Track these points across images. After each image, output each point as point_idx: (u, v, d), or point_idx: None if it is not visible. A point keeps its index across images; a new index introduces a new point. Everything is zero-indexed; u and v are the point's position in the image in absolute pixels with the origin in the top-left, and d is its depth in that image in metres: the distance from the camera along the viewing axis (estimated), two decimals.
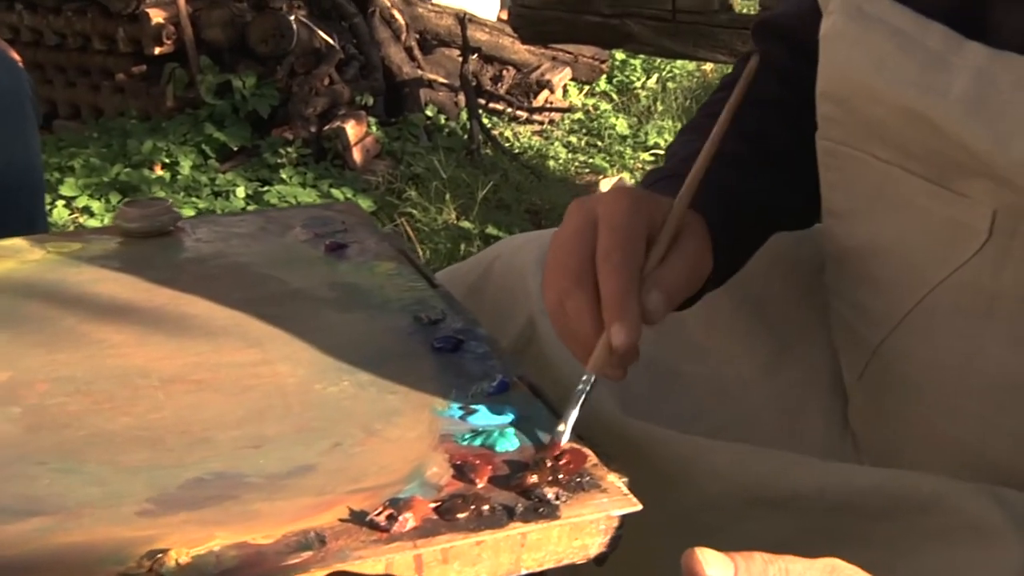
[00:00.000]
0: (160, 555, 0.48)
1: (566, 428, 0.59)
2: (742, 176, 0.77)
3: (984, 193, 0.63)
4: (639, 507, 0.54)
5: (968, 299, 0.66)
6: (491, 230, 3.00)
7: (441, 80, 4.30)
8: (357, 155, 3.63)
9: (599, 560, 0.56)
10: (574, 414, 0.60)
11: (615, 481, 0.55)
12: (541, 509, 0.53)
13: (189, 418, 0.61)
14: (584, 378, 0.61)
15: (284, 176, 3.45)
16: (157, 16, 3.76)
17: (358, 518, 0.51)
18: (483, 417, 0.61)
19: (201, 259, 0.85)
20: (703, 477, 0.69)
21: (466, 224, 3.06)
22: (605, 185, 3.39)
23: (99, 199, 3.15)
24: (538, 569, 0.54)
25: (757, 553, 0.44)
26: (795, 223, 0.83)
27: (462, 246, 2.88)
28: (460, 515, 0.52)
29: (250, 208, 3.22)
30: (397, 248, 0.88)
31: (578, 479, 0.55)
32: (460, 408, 0.62)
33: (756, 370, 0.85)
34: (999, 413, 0.66)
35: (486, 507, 0.52)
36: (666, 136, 4.09)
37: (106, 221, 3.02)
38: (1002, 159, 0.59)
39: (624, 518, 0.54)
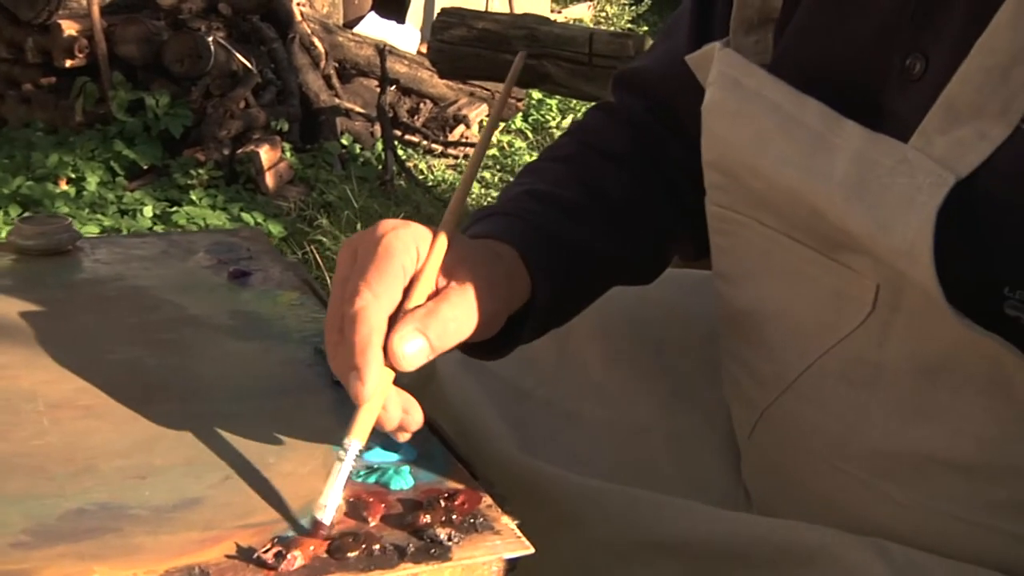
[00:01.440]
0: None
1: (327, 507, 0.53)
2: (572, 222, 0.75)
3: (867, 267, 0.63)
4: (531, 550, 0.54)
5: (853, 369, 0.66)
6: None
7: (358, 109, 4.29)
8: (270, 180, 3.60)
9: None
10: (338, 489, 0.54)
11: (508, 523, 0.55)
12: (433, 550, 0.52)
13: (74, 445, 0.59)
14: (344, 441, 0.55)
15: (194, 197, 3.40)
16: (70, 28, 3.69)
17: (245, 555, 0.50)
18: (379, 454, 0.60)
19: (98, 280, 0.83)
20: (593, 519, 0.69)
21: None
22: None
23: None
24: None
25: None
26: (634, 276, 0.82)
27: None
28: (350, 554, 0.51)
29: (157, 228, 3.16)
30: (302, 278, 0.87)
31: (471, 520, 0.55)
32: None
33: (653, 413, 0.85)
34: (881, 480, 0.66)
35: (377, 546, 0.52)
36: None
37: (4, 234, 2.93)
38: (882, 244, 0.59)
39: (516, 560, 0.54)
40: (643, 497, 0.71)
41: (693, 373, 0.87)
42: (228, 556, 0.50)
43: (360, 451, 0.56)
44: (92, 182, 3.37)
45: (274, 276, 0.86)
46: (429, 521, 0.54)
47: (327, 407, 0.66)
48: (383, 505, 0.55)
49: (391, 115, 4.26)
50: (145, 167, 3.58)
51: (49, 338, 0.72)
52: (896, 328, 0.63)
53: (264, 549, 0.50)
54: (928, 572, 0.62)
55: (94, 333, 0.73)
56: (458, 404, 0.79)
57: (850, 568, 0.62)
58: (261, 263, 0.89)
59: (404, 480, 0.57)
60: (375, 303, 0.57)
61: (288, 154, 3.83)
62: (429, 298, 0.60)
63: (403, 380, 0.76)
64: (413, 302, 0.59)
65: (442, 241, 0.61)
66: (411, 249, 0.59)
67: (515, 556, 0.53)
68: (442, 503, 0.55)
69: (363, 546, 0.51)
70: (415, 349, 0.57)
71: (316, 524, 0.52)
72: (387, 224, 0.60)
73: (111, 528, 0.51)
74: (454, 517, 0.54)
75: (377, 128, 4.23)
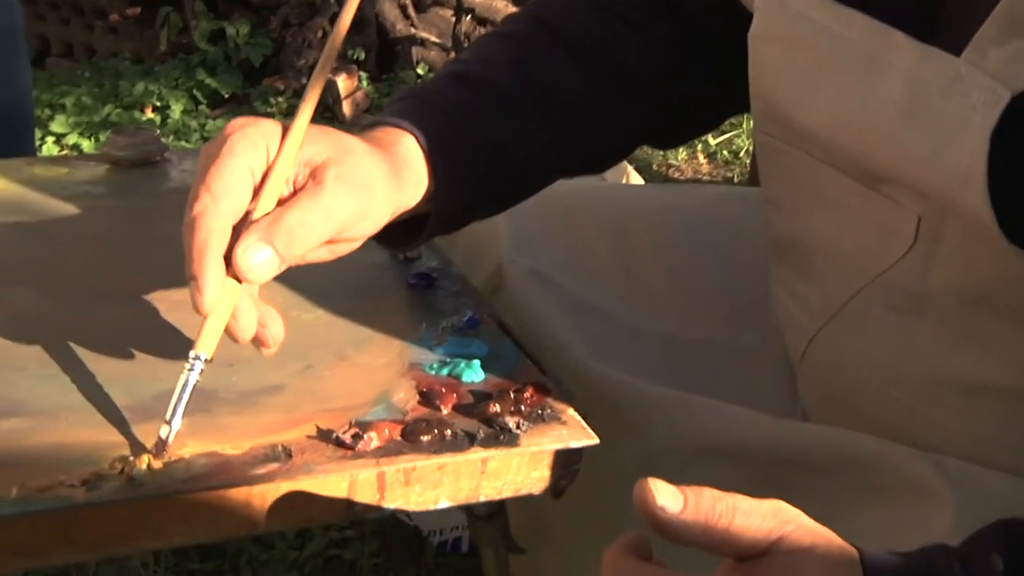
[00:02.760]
0: (132, 458, 0.50)
1: (172, 423, 0.51)
2: (502, 111, 0.70)
3: (909, 200, 0.62)
4: (596, 440, 0.56)
5: (898, 298, 0.66)
6: None
7: (434, 39, 4.28)
8: (347, 108, 3.63)
9: (556, 493, 0.58)
10: (182, 404, 0.52)
11: (574, 415, 0.58)
12: (502, 436, 0.55)
13: (167, 336, 0.63)
14: (191, 354, 0.53)
15: None
16: None
17: (325, 435, 0.53)
18: (451, 349, 0.63)
19: (185, 189, 0.83)
20: (658, 424, 0.71)
21: None
22: None
23: (89, 138, 3.14)
24: (497, 498, 0.56)
25: (707, 489, 0.46)
26: (575, 170, 0.79)
27: None
28: (423, 438, 0.54)
29: None
30: None
31: (539, 411, 0.57)
32: (430, 340, 0.64)
33: (715, 330, 0.86)
34: (929, 405, 0.66)
35: (448, 432, 0.54)
36: None
37: None
38: (936, 170, 0.58)
39: (582, 452, 0.56)
40: (705, 404, 0.72)
41: (755, 290, 0.87)
42: (309, 436, 0.53)
43: (206, 362, 0.53)
44: (176, 110, 3.43)
45: None
46: (499, 410, 0.56)
47: (401, 306, 0.69)
48: (455, 395, 0.58)
49: (466, 45, 4.26)
50: (226, 95, 3.63)
51: (141, 241, 0.76)
52: (939, 259, 0.62)
53: (343, 430, 0.53)
54: (982, 484, 0.63)
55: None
56: (526, 311, 0.81)
57: (907, 476, 0.63)
58: None
59: (475, 373, 0.60)
60: (213, 207, 0.53)
61: (365, 83, 3.85)
62: (282, 201, 0.56)
63: (473, 285, 0.78)
64: (261, 206, 0.55)
65: (294, 139, 0.56)
66: (258, 148, 0.55)
67: (581, 445, 0.56)
68: (511, 394, 0.58)
69: (435, 431, 0.54)
70: (260, 260, 0.54)
71: (163, 443, 0.51)
72: (235, 123, 0.57)
73: (201, 408, 0.55)
74: (523, 408, 0.57)
75: (452, 58, 4.23)
